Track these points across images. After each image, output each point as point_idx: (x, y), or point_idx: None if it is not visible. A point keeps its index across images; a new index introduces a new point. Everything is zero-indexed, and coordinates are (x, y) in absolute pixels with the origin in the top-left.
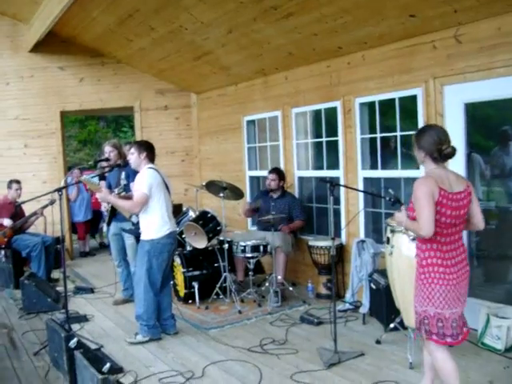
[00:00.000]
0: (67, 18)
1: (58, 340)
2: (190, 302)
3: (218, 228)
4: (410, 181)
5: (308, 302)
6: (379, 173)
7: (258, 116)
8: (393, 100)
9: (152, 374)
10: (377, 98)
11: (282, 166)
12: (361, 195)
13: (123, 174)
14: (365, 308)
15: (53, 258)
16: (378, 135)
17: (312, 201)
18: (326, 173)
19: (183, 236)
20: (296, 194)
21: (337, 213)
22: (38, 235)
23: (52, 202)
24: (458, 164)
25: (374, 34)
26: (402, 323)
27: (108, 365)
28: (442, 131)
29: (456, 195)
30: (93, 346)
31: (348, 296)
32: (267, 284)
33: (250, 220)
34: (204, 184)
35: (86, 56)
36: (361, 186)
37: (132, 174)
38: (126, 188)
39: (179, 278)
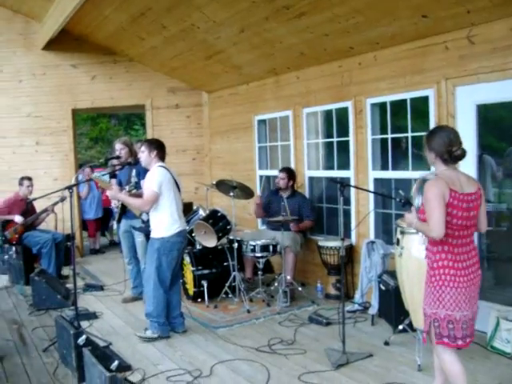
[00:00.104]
0: (80, 15)
1: (66, 337)
2: (199, 300)
3: (228, 227)
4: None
5: (317, 303)
6: (390, 173)
7: (269, 115)
8: (404, 101)
9: (160, 372)
10: (388, 98)
11: (292, 166)
12: (371, 196)
13: (134, 172)
14: (374, 309)
15: (63, 255)
16: (389, 136)
17: (322, 201)
18: (336, 173)
19: (193, 234)
20: (306, 194)
21: (347, 213)
22: (48, 232)
23: (63, 199)
24: (469, 165)
25: (385, 35)
26: (410, 325)
27: (116, 362)
28: (452, 133)
29: (467, 196)
30: (101, 344)
31: (357, 297)
32: (276, 284)
33: (259, 219)
34: (214, 183)
35: (98, 54)
36: (371, 187)
37: (143, 172)
38: (137, 185)
39: (188, 277)
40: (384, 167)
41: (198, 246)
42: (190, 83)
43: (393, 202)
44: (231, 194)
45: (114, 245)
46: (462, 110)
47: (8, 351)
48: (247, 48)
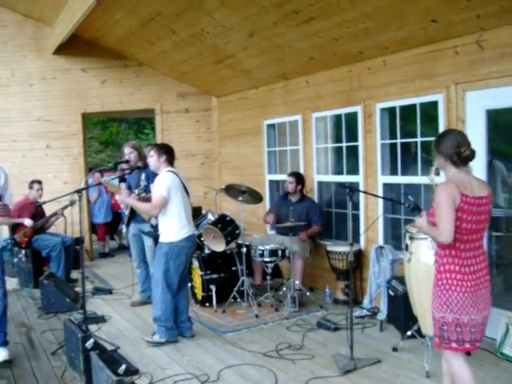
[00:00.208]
0: (90, 20)
1: (74, 340)
2: (208, 304)
3: (237, 232)
4: (431, 187)
5: (325, 308)
6: (399, 179)
7: (279, 120)
8: (414, 105)
9: (167, 377)
10: (398, 103)
11: (301, 171)
12: (380, 201)
13: (143, 176)
14: (382, 315)
15: (72, 259)
16: (399, 141)
17: (331, 206)
18: (345, 178)
19: (202, 239)
20: (315, 199)
21: (356, 218)
22: (57, 235)
23: (72, 203)
24: (479, 171)
25: (395, 39)
26: (419, 331)
27: (124, 366)
28: (460, 134)
29: (478, 200)
30: (109, 347)
31: (366, 302)
32: (285, 288)
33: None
34: (223, 187)
35: (108, 58)
36: (380, 192)
37: (152, 176)
38: (146, 189)
39: (197, 281)
40: (393, 172)
41: (206, 251)
42: (200, 88)
43: (402, 207)
44: (240, 198)
45: (123, 248)
46: (472, 115)
47: (17, 354)
48: (256, 53)
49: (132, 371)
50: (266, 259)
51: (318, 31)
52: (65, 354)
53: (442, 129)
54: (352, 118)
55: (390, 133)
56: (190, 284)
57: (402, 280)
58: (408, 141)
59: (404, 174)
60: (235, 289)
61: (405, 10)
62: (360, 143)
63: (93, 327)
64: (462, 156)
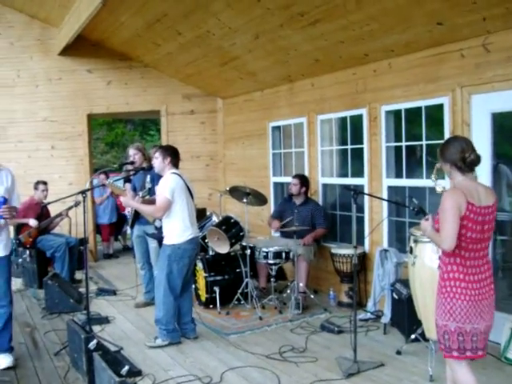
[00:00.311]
0: (96, 22)
1: (77, 341)
2: (211, 306)
3: (241, 233)
4: (435, 191)
5: (329, 310)
6: (404, 181)
7: (284, 122)
8: (419, 108)
9: (170, 378)
10: (403, 106)
11: (306, 173)
12: (385, 203)
13: (148, 177)
14: (386, 318)
15: (76, 259)
16: (404, 143)
17: (336, 208)
18: (350, 180)
19: (206, 240)
20: (320, 201)
21: (360, 221)
22: (62, 236)
23: (77, 204)
24: (484, 175)
25: (400, 42)
26: (423, 334)
27: (127, 367)
28: (464, 141)
29: (484, 209)
30: (112, 348)
31: (370, 305)
32: (289, 291)
33: None
34: (228, 189)
35: (114, 59)
36: (385, 195)
37: (157, 178)
38: (151, 191)
39: (201, 283)
40: (398, 175)
41: (210, 252)
42: (205, 89)
43: (406, 210)
44: (244, 200)
45: (128, 250)
46: (477, 118)
47: (20, 354)
48: (262, 55)
49: (135, 372)
50: (270, 261)
51: (323, 33)
52: (68, 355)
53: (447, 132)
54: (357, 121)
55: (395, 135)
56: (193, 286)
57: (406, 283)
58: (413, 144)
59: (409, 176)
60: (239, 291)
61: (410, 13)
62: (365, 146)
63: (96, 328)
64: (466, 161)
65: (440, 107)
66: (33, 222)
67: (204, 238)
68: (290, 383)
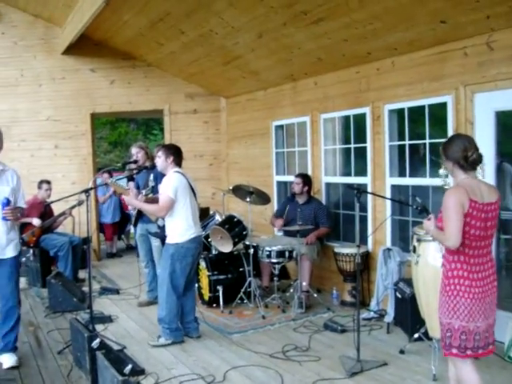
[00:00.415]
0: (99, 21)
1: (81, 340)
2: (215, 305)
3: (244, 232)
4: (439, 189)
5: (332, 309)
6: (407, 180)
7: (287, 121)
8: (422, 107)
9: (173, 377)
10: (406, 104)
11: (309, 172)
12: (388, 202)
13: (151, 176)
14: (389, 317)
15: (79, 258)
16: (407, 142)
17: (339, 207)
18: (353, 179)
19: (209, 239)
20: (323, 200)
21: (363, 220)
22: (65, 235)
23: (80, 203)
24: (487, 173)
25: (404, 41)
26: (426, 334)
27: (130, 366)
28: (467, 139)
29: (487, 206)
30: (116, 347)
31: (373, 304)
32: (292, 290)
33: None
34: (231, 188)
35: (117, 59)
36: (388, 194)
37: (160, 177)
38: (154, 190)
39: (204, 282)
40: (401, 174)
41: (213, 251)
42: (208, 89)
43: (410, 209)
44: (248, 199)
45: (131, 249)
46: (481, 116)
47: (24, 353)
48: (265, 54)
49: (138, 371)
50: (274, 260)
51: (326, 32)
52: (71, 354)
53: (450, 130)
54: (360, 120)
55: (399, 134)
56: (197, 284)
57: (409, 282)
58: (416, 142)
59: (412, 175)
60: (242, 290)
61: (413, 11)
62: (368, 145)
63: (99, 327)
64: (469, 160)
65: (443, 106)
66: (36, 221)
67: (207, 237)
68: (293, 382)
